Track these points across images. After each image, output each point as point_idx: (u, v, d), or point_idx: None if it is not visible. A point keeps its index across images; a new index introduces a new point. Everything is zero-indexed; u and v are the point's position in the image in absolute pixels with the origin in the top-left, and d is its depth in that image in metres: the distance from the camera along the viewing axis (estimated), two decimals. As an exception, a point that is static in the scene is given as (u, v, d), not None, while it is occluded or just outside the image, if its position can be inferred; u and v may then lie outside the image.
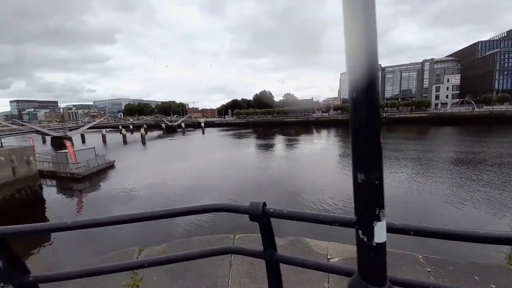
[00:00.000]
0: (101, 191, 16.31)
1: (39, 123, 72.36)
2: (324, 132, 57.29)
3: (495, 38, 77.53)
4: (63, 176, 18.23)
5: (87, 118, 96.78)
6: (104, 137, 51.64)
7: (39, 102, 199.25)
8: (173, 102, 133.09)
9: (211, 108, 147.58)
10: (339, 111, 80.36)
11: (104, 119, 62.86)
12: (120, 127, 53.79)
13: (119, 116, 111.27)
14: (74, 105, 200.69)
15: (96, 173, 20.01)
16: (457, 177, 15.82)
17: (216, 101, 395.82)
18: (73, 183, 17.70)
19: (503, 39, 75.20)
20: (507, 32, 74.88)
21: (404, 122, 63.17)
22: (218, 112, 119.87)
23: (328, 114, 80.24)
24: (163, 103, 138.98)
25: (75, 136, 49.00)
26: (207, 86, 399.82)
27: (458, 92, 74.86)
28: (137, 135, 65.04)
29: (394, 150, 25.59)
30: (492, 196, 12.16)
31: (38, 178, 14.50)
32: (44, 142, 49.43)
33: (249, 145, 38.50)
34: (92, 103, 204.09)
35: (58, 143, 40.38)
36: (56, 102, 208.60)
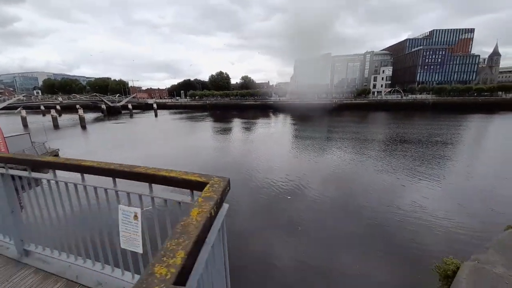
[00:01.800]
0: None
1: None
2: (282, 116, 58.97)
3: (420, 37, 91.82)
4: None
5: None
6: (24, 120, 41.18)
7: None
8: (109, 78, 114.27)
9: (158, 88, 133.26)
10: (295, 96, 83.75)
11: (24, 96, 49.59)
12: (58, 107, 43.65)
13: (35, 94, 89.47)
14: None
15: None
16: (388, 151, 20.09)
17: (160, 81, 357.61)
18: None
19: (426, 38, 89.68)
20: (429, 32, 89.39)
21: (350, 108, 70.36)
22: (169, 93, 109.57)
23: (286, 98, 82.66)
24: (96, 79, 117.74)
25: (-21, 119, 37.49)
26: (150, 63, 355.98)
27: (390, 82, 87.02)
28: (67, 118, 54.25)
29: (343, 132, 29.83)
30: (411, 166, 15.82)
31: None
32: None
33: (212, 129, 36.50)
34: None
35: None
36: None
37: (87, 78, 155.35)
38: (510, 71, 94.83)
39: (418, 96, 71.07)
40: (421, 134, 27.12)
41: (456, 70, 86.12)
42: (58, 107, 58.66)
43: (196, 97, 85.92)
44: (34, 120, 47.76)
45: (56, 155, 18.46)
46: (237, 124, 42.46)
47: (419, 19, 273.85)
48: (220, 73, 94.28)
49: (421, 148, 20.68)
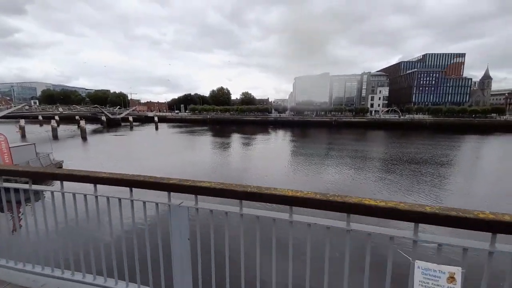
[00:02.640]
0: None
1: None
2: (283, 132, 59.05)
3: (414, 60, 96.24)
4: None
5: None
6: (23, 130, 40.27)
7: None
8: (108, 91, 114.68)
9: (158, 102, 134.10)
10: (293, 113, 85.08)
11: (25, 106, 48.93)
12: (57, 118, 42.88)
13: (32, 104, 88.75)
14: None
15: (38, 178, 14.93)
16: (391, 171, 19.79)
17: (159, 94, 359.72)
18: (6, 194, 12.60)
19: (419, 61, 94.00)
20: (422, 55, 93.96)
21: (349, 125, 71.33)
22: (169, 107, 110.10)
23: (286, 115, 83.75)
24: (96, 91, 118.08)
25: (-24, 128, 36.42)
26: (148, 77, 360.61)
27: (387, 102, 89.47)
28: (65, 129, 53.38)
29: (345, 150, 29.66)
30: (412, 186, 15.70)
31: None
32: None
33: (214, 143, 36.17)
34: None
35: None
36: None
37: (86, 89, 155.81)
38: (501, 94, 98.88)
39: (416, 116, 72.78)
40: (422, 154, 26.97)
41: (450, 92, 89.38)
42: (56, 117, 57.95)
43: (196, 111, 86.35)
44: (31, 130, 46.81)
45: (60, 167, 17.77)
46: (238, 139, 42.28)
47: (408, 43, 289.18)
48: (221, 88, 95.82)
49: (425, 167, 20.42)
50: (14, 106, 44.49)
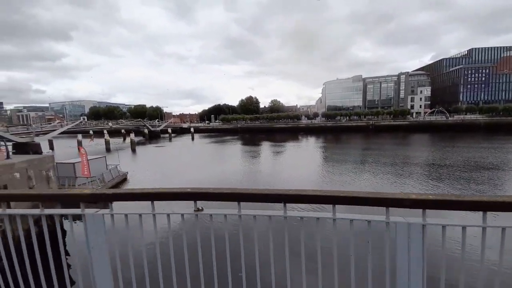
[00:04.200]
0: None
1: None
2: (315, 139, 56.83)
3: (458, 56, 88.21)
4: (75, 195, 13.81)
5: (44, 122, 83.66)
6: (80, 143, 44.38)
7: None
8: (144, 106, 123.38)
9: (189, 113, 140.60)
10: (324, 119, 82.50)
11: (82, 122, 54.37)
12: (106, 132, 46.71)
13: (81, 120, 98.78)
14: (24, 107, 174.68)
15: (109, 189, 15.82)
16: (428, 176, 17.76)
17: (187, 107, 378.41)
18: (90, 205, 13.46)
19: (465, 57, 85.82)
20: (467, 50, 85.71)
21: (388, 129, 66.82)
22: (200, 118, 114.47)
23: (317, 121, 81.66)
24: (136, 106, 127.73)
25: (43, 143, 41.03)
26: (176, 91, 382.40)
27: (429, 102, 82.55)
28: (113, 142, 57.62)
29: (380, 156, 27.07)
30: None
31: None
32: (-1, 149, 40.28)
33: (250, 152, 35.82)
34: (47, 105, 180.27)
35: (23, 151, 32.99)
36: (1, 103, 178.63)
37: (126, 105, 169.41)
38: None
39: (467, 117, 65.80)
40: (489, 158, 23.47)
41: (504, 88, 79.70)
42: (105, 131, 63.23)
43: (227, 121, 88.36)
44: (86, 144, 51.47)
45: (125, 178, 18.78)
46: (271, 147, 41.67)
47: (442, 40, 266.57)
48: (250, 97, 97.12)
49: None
50: (73, 122, 49.46)
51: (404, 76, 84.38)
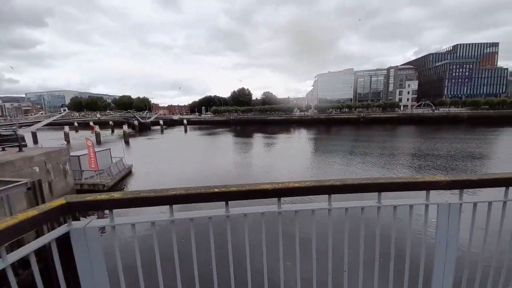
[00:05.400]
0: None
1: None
2: (307, 131, 57.24)
3: (443, 51, 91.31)
4: (84, 189, 12.98)
5: (21, 114, 78.30)
6: (67, 136, 42.05)
7: None
8: (130, 96, 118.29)
9: (178, 105, 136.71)
10: (316, 111, 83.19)
11: (67, 113, 51.27)
12: (92, 123, 44.48)
13: (62, 111, 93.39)
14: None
15: (118, 182, 15.13)
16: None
17: (173, 98, 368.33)
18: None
19: (450, 52, 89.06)
20: (452, 46, 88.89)
21: (378, 122, 68.70)
22: (191, 109, 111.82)
23: (310, 113, 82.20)
24: (121, 97, 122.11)
25: (27, 135, 38.36)
26: (162, 82, 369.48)
27: (416, 96, 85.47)
28: (102, 134, 55.15)
29: (370, 147, 28.15)
30: None
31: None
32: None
33: (246, 144, 35.66)
34: (23, 95, 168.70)
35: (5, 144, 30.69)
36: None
37: (110, 96, 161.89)
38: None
39: (451, 110, 68.86)
40: (480, 148, 25.20)
41: (485, 83, 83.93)
42: (91, 123, 60.15)
43: (220, 113, 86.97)
44: (72, 136, 48.78)
45: (130, 171, 18.01)
46: (265, 139, 41.56)
47: (424, 36, 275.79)
48: (242, 89, 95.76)
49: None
50: (59, 114, 46.57)
51: (393, 70, 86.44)
